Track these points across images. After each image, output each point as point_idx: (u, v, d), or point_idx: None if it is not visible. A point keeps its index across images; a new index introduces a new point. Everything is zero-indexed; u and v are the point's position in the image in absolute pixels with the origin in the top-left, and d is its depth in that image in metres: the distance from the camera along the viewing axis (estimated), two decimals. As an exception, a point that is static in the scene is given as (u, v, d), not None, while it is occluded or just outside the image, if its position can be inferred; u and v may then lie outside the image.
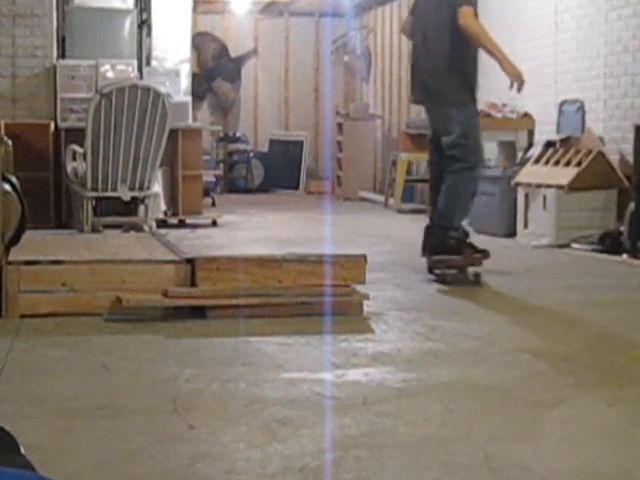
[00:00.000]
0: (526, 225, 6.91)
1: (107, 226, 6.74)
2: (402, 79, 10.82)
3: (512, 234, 7.03)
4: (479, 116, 5.45)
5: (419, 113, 8.69)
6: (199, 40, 11.98)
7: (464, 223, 5.36)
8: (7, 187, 4.10)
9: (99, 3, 8.32)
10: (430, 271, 5.07)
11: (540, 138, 7.74)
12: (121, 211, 6.86)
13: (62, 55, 8.03)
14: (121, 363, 3.15)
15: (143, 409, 2.62)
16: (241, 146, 12.23)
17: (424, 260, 5.13)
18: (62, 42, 8.07)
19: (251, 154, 12.22)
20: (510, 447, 2.32)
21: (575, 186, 6.53)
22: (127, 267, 3.98)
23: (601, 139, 6.99)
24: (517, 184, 7.02)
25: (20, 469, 1.55)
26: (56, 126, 7.52)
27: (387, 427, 2.46)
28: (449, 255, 4.95)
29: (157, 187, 7.15)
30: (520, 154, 7.99)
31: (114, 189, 6.65)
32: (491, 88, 8.74)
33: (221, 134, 12.00)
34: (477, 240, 5.84)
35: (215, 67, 12.46)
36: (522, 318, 4.06)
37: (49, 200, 7.32)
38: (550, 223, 6.60)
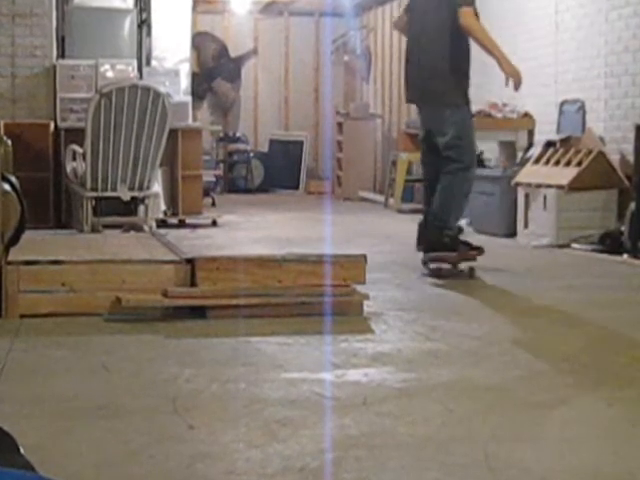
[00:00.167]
0: (526, 225, 6.91)
1: (107, 226, 6.74)
2: (402, 79, 10.80)
3: (512, 234, 7.02)
4: (473, 117, 5.51)
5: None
6: (199, 40, 11.98)
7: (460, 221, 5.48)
8: (7, 187, 4.09)
9: (99, 3, 8.32)
10: (425, 264, 5.19)
11: (540, 138, 7.74)
12: (121, 211, 6.86)
13: (62, 55, 8.02)
14: (121, 363, 3.14)
15: (143, 409, 2.61)
16: (241, 146, 12.23)
17: (420, 255, 5.23)
18: (62, 42, 8.07)
19: (251, 154, 12.22)
20: (510, 447, 2.31)
21: (575, 186, 6.52)
22: (127, 267, 3.98)
23: (601, 139, 6.99)
24: (517, 184, 7.02)
25: (20, 469, 1.55)
26: (56, 126, 7.52)
27: (387, 427, 2.46)
28: (444, 252, 5.09)
29: (157, 187, 7.15)
30: (520, 154, 7.99)
31: (114, 189, 6.65)
32: (491, 88, 8.75)
33: (221, 134, 12.00)
34: (477, 240, 5.87)
35: (215, 67, 12.46)
36: (522, 318, 4.05)
37: (49, 200, 7.32)
38: (550, 223, 6.60)
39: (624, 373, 3.11)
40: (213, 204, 9.69)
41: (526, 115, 8.05)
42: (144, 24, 8.66)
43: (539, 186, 6.77)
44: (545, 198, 6.69)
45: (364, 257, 4.20)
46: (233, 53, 12.60)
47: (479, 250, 5.22)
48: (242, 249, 5.99)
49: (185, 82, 9.05)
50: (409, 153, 9.38)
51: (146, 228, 6.71)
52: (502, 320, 4.02)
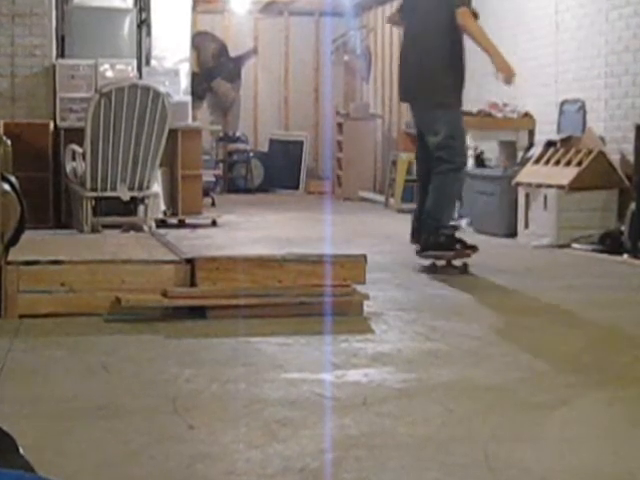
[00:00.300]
0: (527, 225, 6.90)
1: (106, 226, 6.73)
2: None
3: (513, 234, 7.02)
4: (463, 119, 5.65)
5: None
6: (199, 39, 11.97)
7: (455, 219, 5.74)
8: (6, 187, 4.09)
9: (98, 2, 8.31)
10: (418, 253, 5.39)
11: (541, 138, 7.73)
12: (120, 211, 6.86)
13: (61, 54, 8.02)
14: (121, 363, 3.14)
15: (143, 409, 2.61)
16: (241, 146, 12.22)
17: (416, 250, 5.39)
18: (61, 41, 8.06)
19: (251, 154, 12.21)
20: (510, 448, 2.31)
21: (576, 186, 6.52)
22: (127, 267, 3.97)
23: (602, 139, 6.98)
24: (518, 184, 7.02)
25: (19, 470, 1.55)
26: (55, 126, 7.51)
27: (387, 427, 2.46)
28: (441, 251, 5.26)
29: (157, 187, 7.14)
30: (521, 154, 7.98)
31: (113, 189, 6.64)
32: (492, 88, 8.74)
33: (221, 134, 11.99)
34: (478, 240, 5.90)
35: (215, 67, 12.45)
36: (522, 318, 4.05)
37: (48, 200, 7.31)
38: (551, 223, 6.60)
39: (625, 373, 3.11)
40: (213, 204, 9.68)
41: (526, 115, 8.05)
42: (144, 24, 8.66)
43: (539, 186, 6.77)
44: (545, 198, 6.68)
45: (364, 257, 4.20)
46: (233, 53, 12.59)
47: (473, 248, 5.35)
48: (242, 249, 5.99)
49: (185, 82, 9.04)
50: (409, 153, 9.36)
51: (146, 228, 6.70)
52: (502, 320, 4.02)
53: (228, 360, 3.19)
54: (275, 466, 2.15)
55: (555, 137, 7.39)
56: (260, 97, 12.74)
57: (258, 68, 12.73)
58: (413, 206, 9.60)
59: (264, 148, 12.51)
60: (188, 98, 8.46)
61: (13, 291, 3.82)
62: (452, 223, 5.44)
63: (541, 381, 2.98)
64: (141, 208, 6.85)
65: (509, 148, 8.18)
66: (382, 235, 7.23)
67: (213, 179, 11.20)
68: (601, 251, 6.16)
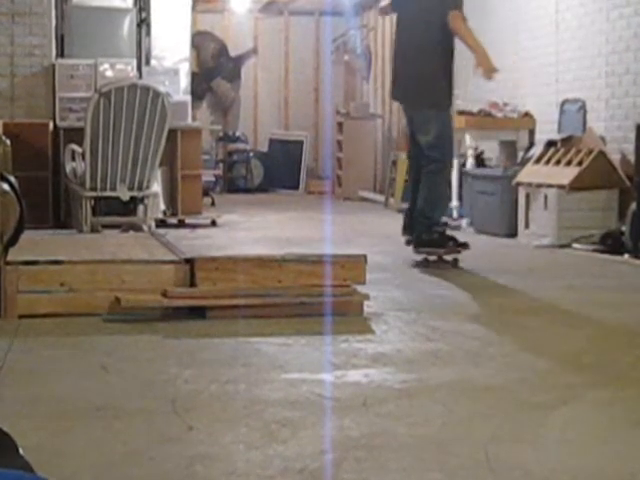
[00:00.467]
0: (527, 225, 6.90)
1: (106, 226, 6.73)
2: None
3: (513, 234, 7.01)
4: (453, 119, 6.02)
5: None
6: (198, 39, 11.97)
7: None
8: (6, 187, 4.08)
9: (98, 2, 8.31)
10: (408, 244, 5.65)
11: (541, 137, 7.73)
12: (120, 211, 6.85)
13: (61, 54, 8.01)
14: (120, 364, 3.13)
15: (142, 410, 2.60)
16: (241, 146, 12.21)
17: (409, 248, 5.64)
18: (61, 41, 8.06)
19: (251, 154, 12.20)
20: (511, 448, 2.31)
21: (576, 186, 6.51)
22: (126, 267, 3.96)
23: (602, 139, 6.97)
24: (518, 184, 7.01)
25: (19, 470, 1.55)
26: (55, 125, 7.51)
27: (387, 428, 2.45)
28: (433, 248, 5.49)
29: (156, 187, 7.13)
30: (521, 154, 7.98)
31: (113, 189, 6.63)
32: (491, 87, 8.73)
33: (220, 134, 11.98)
34: (478, 240, 5.95)
35: (215, 66, 12.45)
36: (523, 318, 4.04)
37: (48, 200, 7.30)
38: (551, 223, 6.59)
39: (625, 373, 3.10)
40: (213, 204, 9.67)
41: (527, 115, 8.04)
42: (143, 23, 8.65)
43: (540, 186, 6.76)
44: (546, 198, 6.68)
45: (364, 257, 4.19)
46: (233, 52, 12.58)
47: (464, 245, 5.56)
48: (242, 249, 5.98)
49: (185, 81, 9.03)
50: (409, 153, 9.36)
51: (145, 228, 6.70)
52: (503, 320, 4.01)
53: (228, 360, 3.18)
54: (275, 467, 2.14)
55: (556, 137, 7.38)
56: (260, 97, 12.73)
57: (258, 68, 12.72)
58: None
59: (264, 148, 12.50)
60: (188, 98, 8.46)
61: (12, 291, 3.81)
62: (443, 220, 5.67)
63: (542, 381, 2.98)
64: (141, 208, 6.84)
65: (509, 148, 8.17)
66: (382, 235, 7.22)
67: (213, 179, 11.20)
68: (602, 251, 6.15)
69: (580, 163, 6.62)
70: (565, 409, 2.66)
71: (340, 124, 11.51)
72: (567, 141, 7.15)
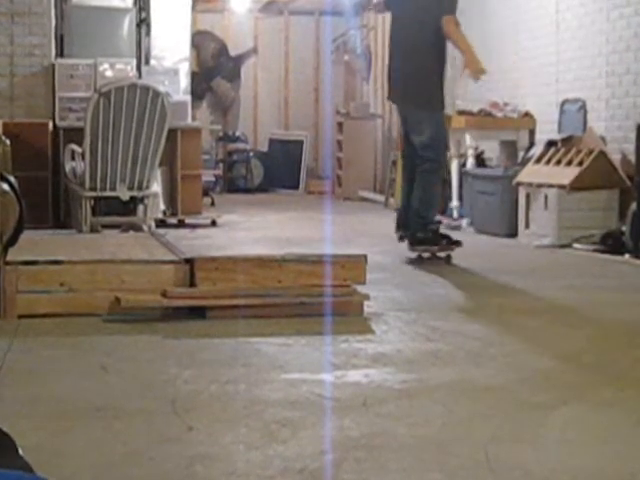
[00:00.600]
0: (527, 225, 6.89)
1: (106, 226, 6.72)
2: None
3: (513, 234, 7.01)
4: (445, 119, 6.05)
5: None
6: (198, 39, 11.96)
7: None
8: (5, 187, 4.07)
9: (98, 1, 8.30)
10: (401, 239, 5.86)
11: (541, 137, 7.72)
12: (120, 211, 6.84)
13: (60, 54, 8.01)
14: (120, 364, 3.13)
15: (142, 410, 2.60)
16: (241, 145, 12.21)
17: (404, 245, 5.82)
18: (60, 41, 8.05)
19: (251, 153, 12.19)
20: (511, 449, 2.30)
21: (577, 186, 6.51)
22: (126, 267, 3.96)
23: (603, 138, 6.97)
24: (518, 184, 7.00)
25: (18, 470, 1.54)
26: (54, 125, 7.50)
27: (387, 428, 2.45)
28: (427, 246, 5.67)
29: (156, 187, 7.13)
30: (521, 153, 7.97)
31: (113, 189, 6.63)
32: (492, 87, 8.72)
33: (220, 133, 11.97)
34: (479, 240, 5.97)
35: (214, 66, 12.44)
36: (523, 318, 4.04)
37: (47, 200, 7.30)
38: (552, 223, 6.58)
39: (625, 373, 3.10)
40: (212, 204, 9.67)
41: (527, 114, 8.03)
42: (143, 23, 8.64)
43: (540, 186, 6.75)
44: (546, 198, 6.67)
45: (364, 257, 4.19)
46: (233, 52, 12.57)
47: (457, 243, 5.72)
48: (242, 249, 5.98)
49: (184, 81, 9.02)
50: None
51: (145, 228, 6.69)
52: (503, 320, 4.01)
53: (228, 361, 3.18)
54: (275, 467, 2.14)
55: (556, 137, 7.37)
56: (260, 97, 12.72)
57: (258, 67, 12.71)
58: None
59: (264, 148, 12.49)
60: (188, 98, 8.45)
61: (12, 291, 3.81)
62: (437, 219, 5.84)
63: (542, 381, 2.97)
64: (140, 208, 6.83)
65: (510, 148, 8.17)
66: (382, 235, 7.21)
67: (213, 179, 11.19)
68: (602, 251, 6.14)
69: (580, 163, 6.61)
70: (565, 409, 2.66)
71: (340, 124, 11.51)
72: (567, 141, 7.14)
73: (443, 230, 6.29)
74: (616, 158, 6.70)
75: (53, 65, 7.74)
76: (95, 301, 3.85)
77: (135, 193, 6.73)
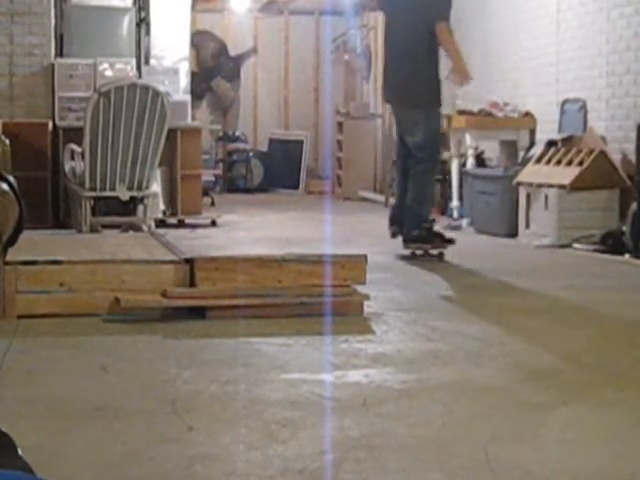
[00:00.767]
0: (528, 225, 6.89)
1: (105, 226, 6.71)
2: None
3: (514, 234, 7.00)
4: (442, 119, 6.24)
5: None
6: (198, 38, 11.95)
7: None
8: (5, 186, 4.06)
9: (97, 1, 8.30)
10: (393, 236, 6.01)
11: (542, 137, 7.72)
12: (120, 211, 6.83)
13: (60, 54, 8.00)
14: (120, 364, 3.13)
15: (142, 410, 2.60)
16: (240, 145, 12.20)
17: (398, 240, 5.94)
18: (60, 40, 8.04)
19: (251, 153, 12.19)
20: (511, 449, 2.30)
21: (577, 186, 6.50)
22: (126, 267, 3.95)
23: (603, 138, 6.96)
24: (519, 184, 7.00)
25: (18, 470, 1.54)
26: (54, 125, 7.49)
27: (387, 428, 2.44)
28: (421, 243, 5.79)
29: (156, 187, 7.12)
30: (521, 153, 7.96)
31: (112, 189, 6.62)
32: (492, 87, 8.73)
33: (220, 133, 11.97)
34: (479, 240, 5.97)
35: (214, 66, 12.43)
36: (523, 318, 4.03)
37: (47, 200, 7.29)
38: (552, 223, 6.58)
39: (626, 373, 3.10)
40: (212, 204, 9.66)
41: (527, 114, 8.03)
42: (143, 23, 8.63)
43: (540, 186, 6.75)
44: (547, 198, 6.67)
45: (364, 257, 4.18)
46: (232, 52, 12.57)
47: (450, 241, 5.86)
48: (242, 249, 5.97)
49: (184, 81, 9.02)
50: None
51: (145, 228, 6.68)
52: (503, 320, 4.00)
53: (228, 361, 3.17)
54: (275, 467, 2.14)
55: (556, 137, 7.37)
56: (260, 96, 12.72)
57: (258, 67, 12.71)
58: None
59: (264, 148, 12.49)
60: (187, 97, 8.44)
61: (11, 291, 3.80)
62: (431, 217, 5.95)
63: (542, 381, 2.97)
64: (140, 208, 6.83)
65: (510, 148, 8.16)
66: (382, 235, 7.18)
67: (213, 179, 11.18)
68: (602, 251, 6.14)
69: (581, 163, 6.60)
70: (565, 409, 2.66)
71: (340, 124, 11.50)
72: (568, 141, 7.14)
73: (443, 230, 6.38)
74: (616, 158, 6.70)
75: (53, 65, 7.73)
76: (95, 301, 3.85)
77: (135, 193, 6.73)
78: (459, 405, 2.69)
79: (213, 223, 7.84)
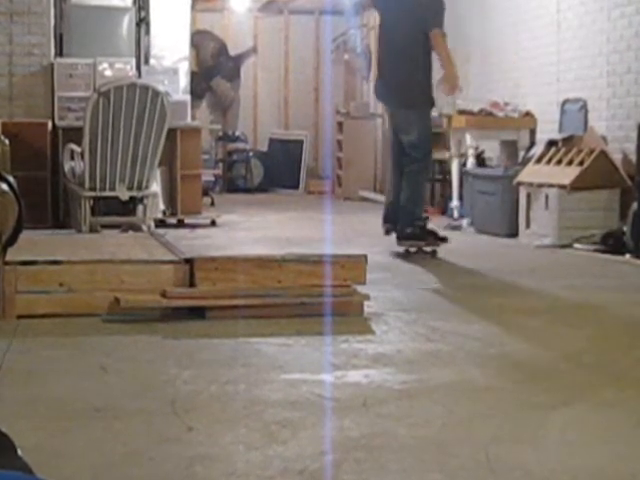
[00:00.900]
0: (528, 225, 6.88)
1: (105, 226, 6.71)
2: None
3: (514, 234, 7.00)
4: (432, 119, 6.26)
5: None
6: (198, 38, 11.95)
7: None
8: (4, 186, 4.06)
9: (97, 1, 8.29)
10: (387, 233, 6.15)
11: (542, 137, 7.71)
12: (119, 211, 6.83)
13: (59, 53, 7.99)
14: (119, 364, 3.12)
15: (141, 411, 2.59)
16: (240, 145, 12.20)
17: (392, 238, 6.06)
18: (59, 40, 8.04)
19: (250, 153, 12.19)
20: (512, 449, 2.30)
21: (577, 186, 6.49)
22: (125, 267, 3.95)
23: (604, 138, 6.95)
24: (519, 183, 6.99)
25: (17, 471, 1.54)
26: (54, 125, 7.49)
27: (388, 429, 2.44)
28: (415, 241, 5.91)
29: (155, 186, 7.12)
30: (522, 153, 7.96)
31: (112, 188, 6.61)
32: (492, 87, 8.72)
33: (220, 133, 11.96)
34: (479, 240, 5.97)
35: (214, 65, 12.43)
36: (523, 318, 4.03)
37: (47, 200, 7.28)
38: (552, 223, 6.57)
39: (626, 374, 3.09)
40: (212, 204, 9.65)
41: (528, 114, 8.02)
42: (143, 22, 8.62)
43: (541, 186, 6.74)
44: (547, 198, 6.66)
45: (365, 257, 4.18)
46: (232, 52, 12.57)
47: (443, 239, 5.98)
48: (241, 249, 5.97)
49: (184, 81, 9.01)
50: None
51: (145, 228, 6.68)
52: (503, 320, 4.00)
53: (227, 361, 3.17)
54: (275, 468, 2.13)
55: (557, 136, 7.36)
56: (260, 96, 12.71)
57: (258, 67, 12.71)
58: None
59: (264, 147, 12.48)
60: (187, 97, 8.44)
61: (11, 291, 3.80)
62: (424, 215, 6.08)
63: (542, 381, 2.97)
64: (140, 208, 6.82)
65: (510, 147, 8.16)
66: (382, 235, 7.20)
67: (212, 179, 11.17)
68: (603, 251, 6.13)
69: (581, 163, 6.60)
70: (565, 409, 2.65)
71: (340, 124, 11.50)
72: (568, 141, 7.13)
73: (443, 230, 6.46)
74: (617, 158, 6.69)
75: (52, 64, 7.73)
76: (94, 301, 3.84)
77: (134, 193, 6.72)
78: (459, 405, 2.69)
79: (213, 223, 7.84)
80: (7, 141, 5.56)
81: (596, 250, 6.19)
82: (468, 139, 7.97)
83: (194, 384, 2.86)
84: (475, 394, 2.81)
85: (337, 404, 2.67)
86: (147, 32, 8.69)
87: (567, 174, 6.58)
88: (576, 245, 6.40)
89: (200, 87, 11.78)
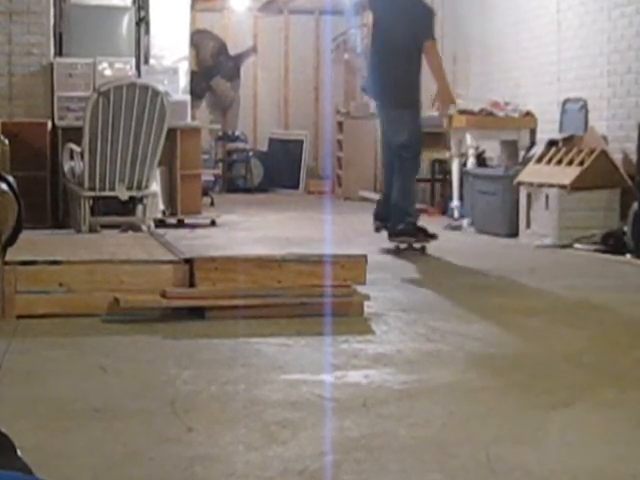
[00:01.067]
0: (528, 225, 6.88)
1: (105, 226, 6.71)
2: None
3: (514, 234, 6.99)
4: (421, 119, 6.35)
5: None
6: (198, 38, 11.95)
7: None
8: (4, 186, 4.05)
9: (97, 0, 8.29)
10: (377, 230, 6.29)
11: (542, 137, 7.71)
12: (119, 211, 6.83)
13: (59, 53, 7.99)
14: (119, 364, 3.12)
15: (141, 411, 2.59)
16: (240, 145, 12.20)
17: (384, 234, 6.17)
18: (59, 40, 8.04)
19: (250, 153, 12.19)
20: (512, 449, 2.30)
21: (578, 185, 6.49)
22: (125, 267, 3.95)
23: (604, 138, 6.95)
24: (519, 183, 6.99)
25: (17, 471, 1.54)
26: (53, 125, 7.48)
27: (388, 429, 2.43)
28: (406, 237, 6.04)
29: (155, 186, 7.12)
30: (522, 153, 7.96)
31: (112, 188, 6.61)
32: (492, 87, 8.72)
33: (220, 133, 11.96)
34: (479, 240, 5.99)
35: (214, 65, 12.43)
36: (523, 319, 4.03)
37: (46, 200, 7.28)
38: (553, 223, 6.57)
39: (626, 374, 3.09)
40: (212, 204, 9.65)
41: (528, 114, 8.02)
42: (142, 22, 8.62)
43: (541, 185, 6.74)
44: (547, 198, 6.66)
45: (365, 257, 4.17)
46: (232, 51, 12.57)
47: (433, 236, 6.10)
48: (241, 249, 5.97)
49: (184, 80, 9.01)
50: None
51: (144, 228, 6.67)
52: (503, 321, 3.99)
53: (227, 361, 3.17)
54: (274, 468, 2.13)
55: (557, 136, 7.36)
56: (260, 96, 12.71)
57: (257, 67, 12.70)
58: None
59: (264, 147, 12.48)
60: (187, 97, 8.44)
61: (11, 292, 3.79)
62: (415, 212, 6.19)
63: (542, 382, 2.96)
64: (140, 208, 6.82)
65: (511, 147, 8.16)
66: (382, 235, 7.20)
67: (212, 178, 11.17)
68: (603, 251, 6.12)
69: (582, 163, 6.59)
70: (566, 410, 2.65)
71: (340, 123, 11.49)
72: (568, 140, 7.12)
73: (443, 229, 6.55)
74: (617, 158, 6.69)
75: (52, 64, 7.73)
76: (94, 301, 3.84)
77: (134, 193, 6.72)
78: (459, 405, 2.68)
79: (213, 223, 7.84)
80: (7, 141, 5.56)
81: (596, 250, 6.19)
82: (468, 139, 7.97)
83: (194, 384, 2.86)
84: (475, 394, 2.81)
85: (337, 404, 2.66)
86: (147, 32, 8.68)
87: (567, 174, 6.58)
88: (576, 245, 6.39)
89: (200, 87, 11.78)
